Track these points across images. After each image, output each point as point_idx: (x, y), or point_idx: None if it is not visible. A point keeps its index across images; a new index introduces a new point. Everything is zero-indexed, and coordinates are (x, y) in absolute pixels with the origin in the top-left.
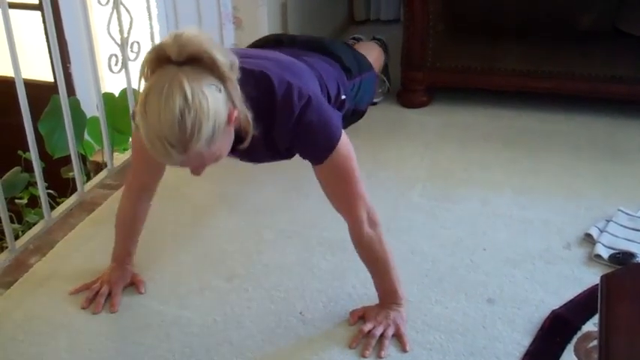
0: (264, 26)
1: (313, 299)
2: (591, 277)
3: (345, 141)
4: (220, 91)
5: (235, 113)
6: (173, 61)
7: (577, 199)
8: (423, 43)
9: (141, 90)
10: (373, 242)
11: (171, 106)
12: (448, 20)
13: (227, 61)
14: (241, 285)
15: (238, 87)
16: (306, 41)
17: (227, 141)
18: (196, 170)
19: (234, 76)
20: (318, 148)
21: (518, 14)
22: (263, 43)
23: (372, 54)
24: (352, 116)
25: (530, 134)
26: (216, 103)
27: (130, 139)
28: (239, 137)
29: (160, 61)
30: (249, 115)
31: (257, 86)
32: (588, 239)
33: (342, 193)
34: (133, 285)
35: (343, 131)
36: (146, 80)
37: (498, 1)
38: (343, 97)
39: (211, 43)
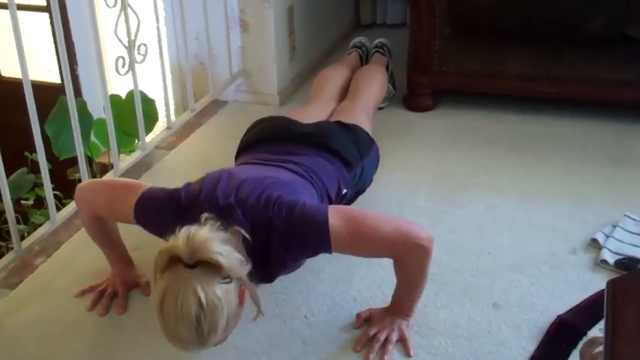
0: (271, 29)
1: (318, 303)
2: (597, 283)
3: (336, 211)
4: (230, 281)
5: (245, 293)
6: (184, 263)
7: (583, 204)
8: (429, 46)
9: (155, 285)
10: (413, 271)
11: (188, 314)
12: (454, 24)
13: (235, 262)
14: None
15: (247, 265)
16: (305, 135)
17: (239, 317)
18: None
19: (243, 268)
20: (315, 239)
21: (525, 18)
22: (263, 138)
23: (373, 90)
24: (356, 195)
25: (536, 138)
26: (228, 297)
27: (115, 188)
28: None
29: (172, 261)
30: (249, 268)
31: (252, 235)
32: (594, 244)
33: (369, 250)
34: (139, 287)
35: (331, 207)
36: (156, 274)
37: (505, 4)
38: (344, 191)
39: (220, 247)
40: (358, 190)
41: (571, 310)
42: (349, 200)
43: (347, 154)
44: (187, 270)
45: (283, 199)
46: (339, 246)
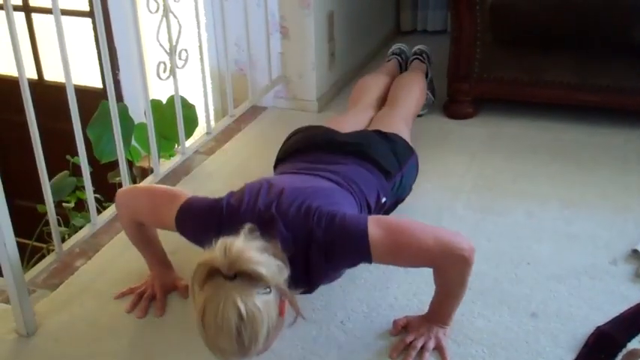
0: (311, 35)
1: (355, 309)
2: (637, 294)
3: (375, 221)
4: (270, 291)
5: (285, 303)
6: (223, 275)
7: (625, 213)
8: (470, 54)
9: (192, 291)
10: (453, 281)
11: (228, 325)
12: (496, 31)
13: (274, 269)
14: None
15: (286, 271)
16: (344, 144)
17: (280, 327)
18: None
19: (283, 276)
20: (356, 250)
21: (568, 26)
22: (302, 148)
23: (412, 98)
24: (395, 204)
25: (577, 147)
26: (268, 308)
27: (162, 197)
28: None
29: (211, 274)
30: (289, 287)
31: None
32: (635, 255)
33: (409, 260)
34: (177, 290)
35: (371, 218)
36: (195, 286)
37: (549, 12)
38: (383, 200)
39: (258, 256)
40: (397, 199)
41: (610, 321)
42: (389, 209)
43: (386, 164)
44: (227, 282)
45: (323, 209)
46: (379, 256)
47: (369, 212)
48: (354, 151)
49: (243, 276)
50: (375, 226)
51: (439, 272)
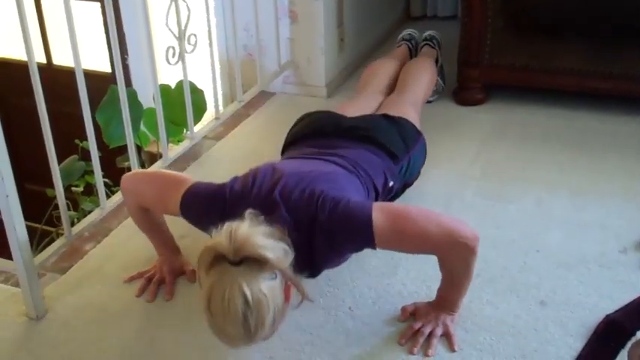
0: (320, 21)
1: (363, 295)
2: None
3: (380, 207)
4: (275, 277)
5: (291, 289)
6: (229, 260)
7: (635, 202)
8: (480, 40)
9: (199, 277)
10: (458, 268)
11: (234, 311)
12: (507, 17)
13: (280, 253)
14: None
15: (291, 255)
16: (351, 129)
17: (285, 313)
18: None
19: (289, 259)
20: (359, 235)
21: (580, 12)
22: (309, 132)
23: (421, 83)
24: (403, 189)
25: (589, 134)
26: (274, 293)
27: (165, 180)
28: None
29: (217, 259)
30: (294, 271)
31: (296, 230)
32: None
33: (413, 247)
34: (184, 274)
35: (375, 204)
36: (200, 271)
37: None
38: (391, 183)
39: (263, 241)
40: (405, 183)
41: (620, 309)
42: (396, 194)
43: (393, 147)
44: (232, 267)
45: (327, 194)
46: (382, 243)
47: (377, 196)
48: (361, 135)
49: (249, 261)
50: (380, 212)
51: (443, 260)
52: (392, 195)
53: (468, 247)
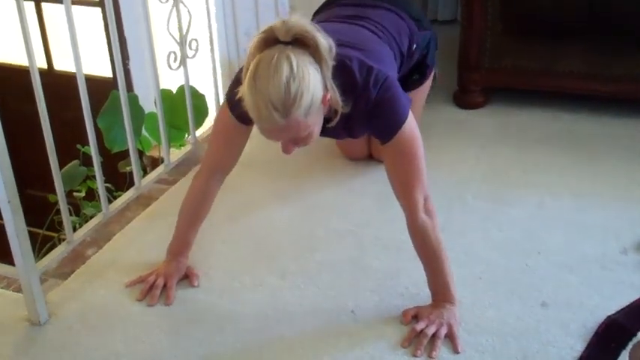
0: None
1: (365, 298)
2: None
3: (412, 123)
4: (318, 71)
5: (328, 96)
6: (281, 41)
7: (635, 204)
8: (480, 43)
9: (247, 66)
10: (427, 230)
11: (279, 74)
12: (507, 20)
13: (327, 44)
14: (294, 282)
15: (331, 71)
16: None
17: (319, 120)
18: (288, 147)
19: (330, 60)
20: (387, 126)
21: (580, 15)
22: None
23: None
24: (419, 69)
25: (589, 137)
26: (315, 80)
27: (215, 121)
28: (326, 119)
29: (269, 41)
30: (339, 97)
31: (340, 75)
32: None
33: (404, 173)
34: (187, 278)
35: (411, 114)
36: (253, 57)
37: (559, 1)
38: (414, 46)
39: (314, 27)
40: (421, 61)
41: (621, 310)
42: (415, 83)
43: (415, 14)
44: (283, 45)
45: (381, 71)
46: (389, 146)
47: (402, 61)
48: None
49: (299, 42)
50: (411, 124)
51: (410, 221)
52: (413, 64)
53: (429, 211)
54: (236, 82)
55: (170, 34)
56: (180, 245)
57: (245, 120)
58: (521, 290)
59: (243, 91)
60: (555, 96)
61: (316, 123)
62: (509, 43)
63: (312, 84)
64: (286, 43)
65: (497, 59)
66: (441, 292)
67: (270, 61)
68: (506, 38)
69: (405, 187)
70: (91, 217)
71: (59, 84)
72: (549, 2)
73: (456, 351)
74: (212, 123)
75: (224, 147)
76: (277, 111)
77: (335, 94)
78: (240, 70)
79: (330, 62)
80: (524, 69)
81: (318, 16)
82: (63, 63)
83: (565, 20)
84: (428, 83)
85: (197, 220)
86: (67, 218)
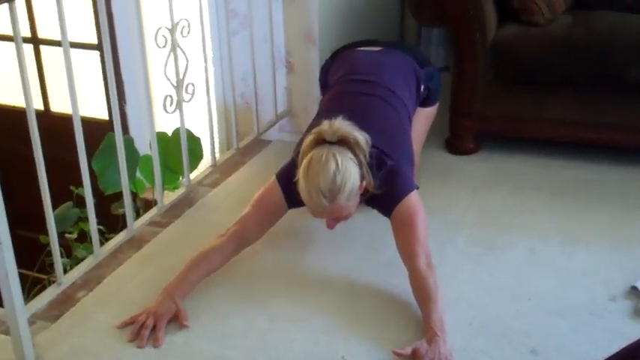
0: (316, 70)
1: (357, 343)
2: (636, 331)
3: (415, 197)
4: (356, 165)
5: (364, 184)
6: (327, 141)
7: (625, 250)
8: (472, 90)
9: (301, 158)
10: (427, 280)
11: (327, 169)
12: (497, 70)
13: (364, 139)
14: (284, 325)
15: (367, 162)
16: (385, 42)
17: (357, 203)
18: (331, 223)
19: (367, 151)
20: (392, 203)
21: (568, 66)
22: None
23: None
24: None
25: (579, 184)
26: (355, 173)
27: (262, 195)
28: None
29: (318, 141)
30: (372, 182)
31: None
32: (634, 292)
33: (406, 239)
34: (177, 320)
35: (415, 191)
36: (304, 155)
37: (548, 52)
38: (422, 87)
39: (354, 129)
40: (429, 92)
41: (609, 358)
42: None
43: (418, 57)
44: (329, 145)
45: (396, 168)
46: (395, 216)
47: (414, 99)
48: (395, 44)
49: (343, 142)
50: (413, 198)
51: (413, 275)
52: (421, 100)
53: (429, 265)
54: (292, 163)
55: (167, 77)
56: (181, 287)
57: (291, 201)
58: (512, 336)
59: (299, 181)
60: (547, 142)
61: (355, 204)
62: (499, 91)
63: (353, 176)
64: (332, 143)
65: (489, 107)
66: (434, 323)
67: (321, 158)
68: (497, 86)
69: (407, 250)
70: (83, 259)
71: (56, 125)
72: (537, 53)
73: None
74: (213, 167)
75: (262, 220)
76: (325, 197)
77: (370, 180)
78: (298, 153)
79: (367, 156)
80: (516, 116)
81: (337, 66)
82: (60, 104)
83: (554, 70)
84: (433, 111)
85: (206, 273)
86: (58, 260)
